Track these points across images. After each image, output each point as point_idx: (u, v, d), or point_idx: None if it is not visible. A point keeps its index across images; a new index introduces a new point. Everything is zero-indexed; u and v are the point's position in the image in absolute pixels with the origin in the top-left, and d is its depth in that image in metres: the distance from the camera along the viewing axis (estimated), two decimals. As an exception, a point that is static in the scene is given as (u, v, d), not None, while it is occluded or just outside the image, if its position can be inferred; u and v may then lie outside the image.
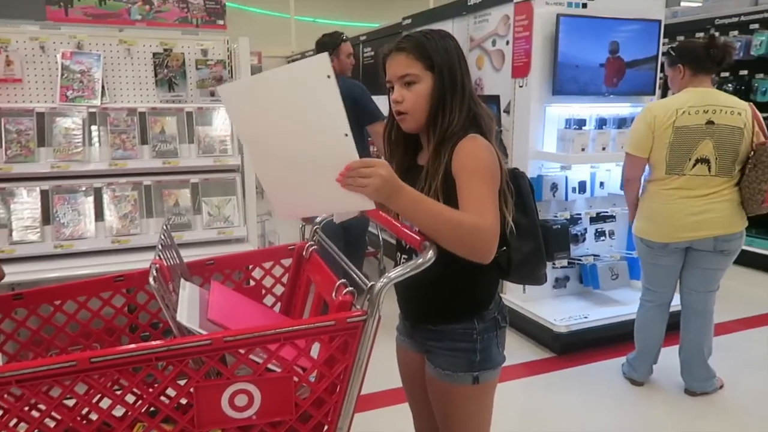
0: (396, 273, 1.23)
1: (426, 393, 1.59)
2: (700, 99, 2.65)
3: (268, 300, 1.76)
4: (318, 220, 1.76)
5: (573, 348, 3.35)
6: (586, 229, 3.59)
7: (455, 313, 1.48)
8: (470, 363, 1.47)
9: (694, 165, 2.65)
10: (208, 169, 2.97)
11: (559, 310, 3.48)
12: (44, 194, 2.69)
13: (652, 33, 3.50)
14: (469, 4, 3.96)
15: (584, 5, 3.40)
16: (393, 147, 1.54)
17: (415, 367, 1.62)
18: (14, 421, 1.08)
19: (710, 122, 2.63)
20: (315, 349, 1.26)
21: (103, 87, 2.88)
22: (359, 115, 3.32)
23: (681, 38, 5.46)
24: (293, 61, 1.35)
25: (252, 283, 1.78)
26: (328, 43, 3.65)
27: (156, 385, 1.14)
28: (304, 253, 1.70)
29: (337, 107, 1.12)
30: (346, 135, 1.14)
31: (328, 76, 1.10)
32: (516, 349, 3.40)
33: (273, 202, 1.36)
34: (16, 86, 2.76)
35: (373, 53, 5.85)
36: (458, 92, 1.41)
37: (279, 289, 1.79)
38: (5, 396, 1.06)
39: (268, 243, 3.79)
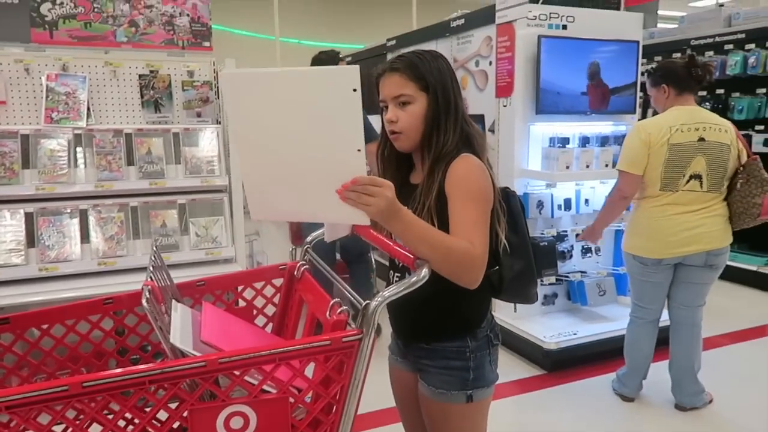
0: (390, 292, 1.22)
1: (419, 412, 1.58)
2: (689, 117, 2.71)
3: (260, 320, 1.75)
4: (309, 239, 1.75)
5: (563, 365, 3.35)
6: (572, 246, 3.62)
7: (448, 331, 1.48)
8: (464, 381, 1.47)
9: (688, 181, 2.70)
10: (196, 190, 2.95)
11: (549, 327, 3.49)
12: (28, 217, 2.65)
13: (631, 53, 3.58)
14: (452, 25, 4.03)
15: (564, 27, 3.48)
16: (386, 165, 1.55)
17: (408, 386, 1.61)
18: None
19: (702, 139, 2.69)
20: (309, 370, 1.25)
21: (88, 109, 2.87)
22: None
23: (658, 59, 5.59)
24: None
25: (243, 303, 1.76)
26: (325, 61, 3.62)
27: (148, 410, 1.12)
28: (295, 273, 1.69)
29: (356, 121, 1.11)
30: (359, 150, 1.13)
31: (354, 90, 1.09)
32: (506, 367, 3.39)
33: (250, 200, 1.32)
34: (0, 108, 2.74)
35: (358, 74, 5.89)
36: (452, 112, 1.43)
37: (270, 310, 1.78)
38: (-6, 423, 1.03)
39: (256, 263, 3.76)
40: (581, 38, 3.43)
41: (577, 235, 3.56)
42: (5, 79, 2.74)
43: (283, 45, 10.35)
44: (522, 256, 1.50)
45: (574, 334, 3.40)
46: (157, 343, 1.64)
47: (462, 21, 3.93)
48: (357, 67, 1.09)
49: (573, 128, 3.49)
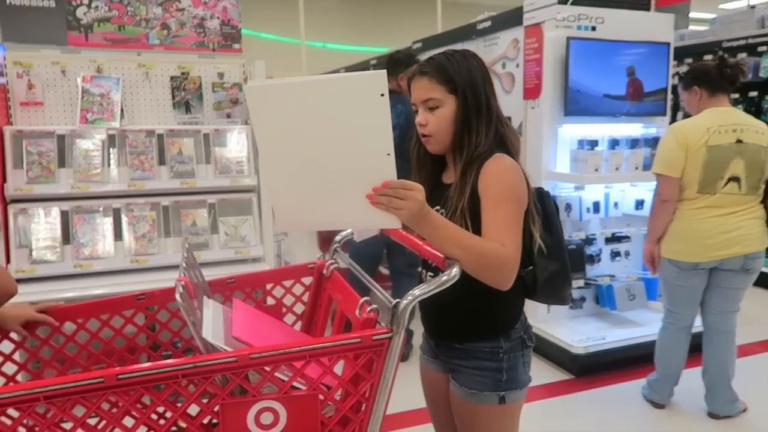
0: (420, 290, 1.22)
1: (450, 413, 1.57)
2: (725, 118, 2.66)
3: (289, 318, 1.76)
4: (338, 238, 1.76)
5: (591, 370, 3.31)
6: (601, 250, 3.57)
7: (481, 331, 1.47)
8: (496, 382, 1.46)
9: (726, 183, 2.65)
10: (225, 190, 2.98)
11: (577, 331, 3.45)
12: (64, 215, 2.71)
13: (661, 55, 3.52)
14: (478, 28, 4.01)
15: (593, 28, 3.44)
16: (420, 165, 1.55)
17: (439, 387, 1.60)
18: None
19: (739, 141, 2.63)
20: (338, 368, 1.25)
21: (122, 109, 2.93)
22: (413, 134, 3.23)
23: (689, 61, 5.49)
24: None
25: (272, 301, 1.78)
26: (402, 60, 3.47)
27: (180, 404, 1.13)
28: (324, 272, 1.70)
29: (385, 126, 1.11)
30: (389, 155, 1.13)
31: (382, 95, 1.08)
32: (533, 371, 3.32)
33: (276, 211, 1.32)
34: (37, 109, 2.81)
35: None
36: (483, 114, 1.41)
37: (299, 308, 1.79)
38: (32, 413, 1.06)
39: (284, 262, 3.78)
40: (611, 40, 3.39)
41: (607, 239, 3.51)
42: (42, 81, 2.81)
43: (309, 48, 10.48)
44: (557, 256, 1.49)
45: (603, 338, 3.35)
46: (188, 338, 1.67)
47: (488, 23, 3.92)
48: (384, 72, 1.09)
49: (602, 130, 3.45)
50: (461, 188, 1.40)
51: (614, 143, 3.40)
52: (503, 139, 1.44)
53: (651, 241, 2.87)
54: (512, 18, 3.64)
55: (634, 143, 3.46)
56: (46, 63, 2.83)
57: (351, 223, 1.38)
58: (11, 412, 1.03)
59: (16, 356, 1.50)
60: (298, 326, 1.76)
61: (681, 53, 5.47)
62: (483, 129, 1.41)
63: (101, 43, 2.99)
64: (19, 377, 1.52)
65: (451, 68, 1.41)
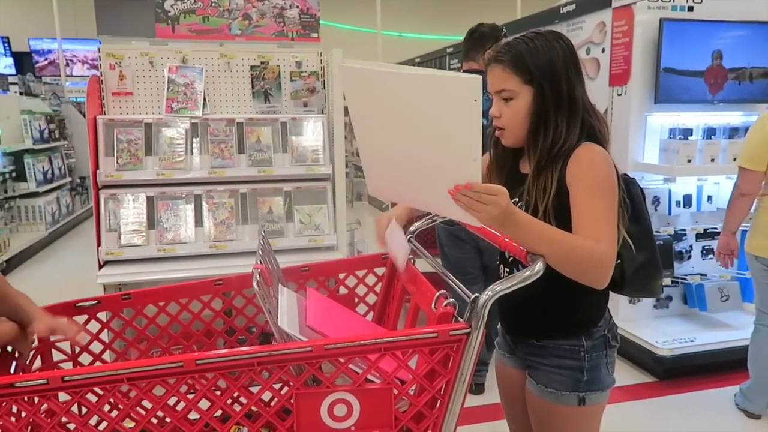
0: (501, 286, 1.17)
1: (526, 410, 1.51)
2: None
3: (361, 308, 1.75)
4: (412, 229, 1.72)
5: (677, 373, 3.11)
6: (691, 246, 3.34)
7: (562, 328, 1.40)
8: (576, 382, 1.38)
9: None
10: (301, 178, 3.02)
11: (661, 332, 3.25)
12: (150, 200, 2.83)
13: (765, 37, 3.22)
14: (561, 12, 3.83)
15: (690, 8, 3.19)
16: (498, 154, 1.48)
17: (515, 384, 1.54)
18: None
19: None
20: (411, 362, 1.22)
21: (204, 99, 3.02)
22: None
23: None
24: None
25: (344, 291, 1.77)
26: (488, 35, 2.96)
27: (254, 391, 1.14)
28: (398, 263, 1.66)
29: (474, 132, 1.06)
30: (475, 160, 1.09)
31: (475, 100, 1.05)
32: (612, 372, 3.20)
33: (368, 177, 1.33)
34: (127, 99, 2.95)
35: (460, 65, 5.80)
36: (564, 105, 1.32)
37: (371, 298, 1.77)
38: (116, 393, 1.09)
39: (357, 252, 3.80)
40: (710, 20, 3.13)
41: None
42: (132, 71, 2.94)
43: (384, 38, 10.51)
44: (645, 246, 1.39)
45: (691, 341, 3.14)
46: (262, 324, 1.69)
47: (573, 6, 3.73)
48: (479, 77, 1.04)
49: (696, 119, 3.22)
50: (543, 185, 1.32)
51: (710, 132, 3.16)
52: (592, 130, 1.35)
53: (726, 234, 2.73)
54: (599, 0, 3.45)
55: (733, 132, 3.20)
56: (135, 54, 2.95)
57: (432, 209, 1.35)
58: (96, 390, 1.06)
59: (103, 335, 1.56)
60: (369, 317, 1.75)
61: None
62: (563, 121, 1.31)
63: (186, 35, 3.09)
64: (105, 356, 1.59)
65: (529, 56, 1.31)
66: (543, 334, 1.42)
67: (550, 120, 1.31)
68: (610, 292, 1.44)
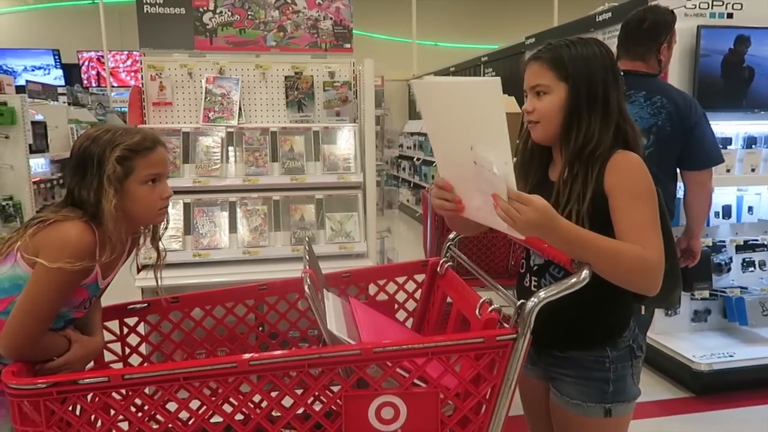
0: (547, 292, 1.16)
1: (550, 422, 1.49)
2: None
3: (400, 315, 1.75)
4: (451, 236, 1.72)
5: (716, 389, 3.03)
6: (731, 258, 3.27)
7: (586, 338, 1.39)
8: (602, 394, 1.37)
9: None
10: (332, 186, 3.05)
11: (699, 346, 3.18)
12: (186, 207, 2.89)
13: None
14: (597, 20, 3.82)
15: (730, 15, 3.15)
16: (527, 158, 1.48)
17: (537, 395, 1.53)
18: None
19: None
20: (456, 368, 1.22)
21: (240, 108, 3.08)
22: (684, 147, 2.30)
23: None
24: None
25: (384, 297, 1.78)
26: (663, 25, 2.37)
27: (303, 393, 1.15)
28: (438, 269, 1.67)
29: (501, 133, 1.08)
30: (506, 164, 1.10)
31: (497, 101, 1.07)
32: (647, 386, 3.09)
33: (440, 166, 1.37)
34: (167, 108, 3.02)
35: (494, 74, 5.81)
36: (598, 106, 1.31)
37: (411, 305, 1.78)
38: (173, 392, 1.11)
39: (386, 260, 3.82)
40: (750, 27, 3.09)
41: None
42: (172, 82, 3.01)
43: (420, 47, 10.57)
44: (666, 257, 1.37)
45: (731, 356, 3.06)
46: (304, 329, 1.71)
47: (609, 15, 3.72)
48: (498, 79, 1.05)
49: (736, 127, 3.16)
50: (577, 192, 1.30)
51: (751, 141, 3.11)
52: (625, 137, 1.34)
53: None
54: (635, 8, 3.42)
55: (774, 142, 3.15)
56: (175, 66, 3.03)
57: (482, 218, 1.34)
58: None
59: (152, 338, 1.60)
60: (409, 323, 1.75)
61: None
62: (596, 122, 1.30)
63: (223, 47, 3.16)
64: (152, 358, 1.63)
65: (567, 54, 1.32)
66: (569, 345, 1.40)
67: (583, 119, 1.31)
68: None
